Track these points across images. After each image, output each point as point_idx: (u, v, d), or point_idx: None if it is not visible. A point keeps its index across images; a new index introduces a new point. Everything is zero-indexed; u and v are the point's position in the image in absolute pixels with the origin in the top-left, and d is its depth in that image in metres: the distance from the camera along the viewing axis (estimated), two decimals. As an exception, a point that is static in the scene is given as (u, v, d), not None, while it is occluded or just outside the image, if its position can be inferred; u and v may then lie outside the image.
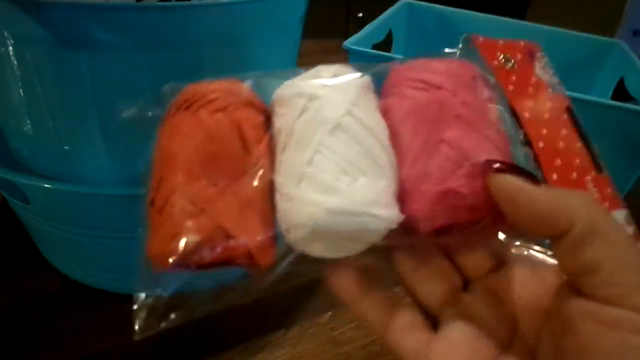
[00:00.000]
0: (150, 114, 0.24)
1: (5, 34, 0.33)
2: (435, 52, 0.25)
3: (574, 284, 0.19)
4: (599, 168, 0.24)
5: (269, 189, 0.21)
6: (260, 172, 0.21)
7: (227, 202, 0.21)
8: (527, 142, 0.24)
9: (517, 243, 0.23)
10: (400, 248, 0.24)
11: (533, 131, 0.24)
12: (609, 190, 0.25)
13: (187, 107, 0.22)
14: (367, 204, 0.20)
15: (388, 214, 0.21)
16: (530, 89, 0.25)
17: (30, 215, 0.41)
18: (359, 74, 0.23)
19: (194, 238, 0.20)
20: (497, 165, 0.20)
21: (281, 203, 0.21)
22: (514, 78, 0.25)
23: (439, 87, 0.23)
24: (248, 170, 0.21)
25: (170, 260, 0.19)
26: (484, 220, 0.22)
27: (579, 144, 0.24)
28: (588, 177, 0.23)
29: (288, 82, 0.23)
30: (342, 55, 0.48)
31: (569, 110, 0.25)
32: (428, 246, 0.24)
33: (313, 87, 0.22)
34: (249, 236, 0.20)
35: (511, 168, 0.20)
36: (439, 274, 0.24)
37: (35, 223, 0.42)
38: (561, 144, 0.24)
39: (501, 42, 0.27)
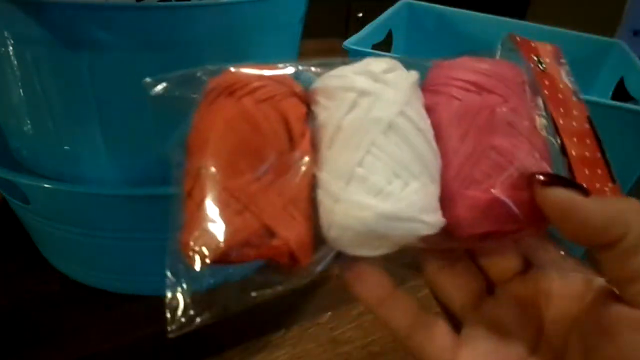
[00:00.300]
0: (178, 93, 0.22)
1: (5, 34, 0.33)
2: (474, 52, 0.24)
3: (616, 291, 0.19)
4: (613, 179, 0.24)
5: (312, 185, 0.21)
6: (304, 168, 0.21)
7: (271, 198, 0.20)
8: (563, 151, 0.23)
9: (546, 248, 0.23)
10: (430, 249, 0.23)
11: (566, 139, 0.23)
12: None
13: (230, 94, 0.21)
14: (418, 210, 0.20)
15: (435, 219, 0.20)
16: (560, 95, 0.25)
17: (30, 215, 0.41)
18: (408, 71, 0.23)
19: (237, 236, 0.19)
20: (544, 177, 0.20)
21: (326, 202, 0.20)
22: (546, 82, 0.25)
23: (490, 92, 0.22)
24: (292, 165, 0.20)
25: (210, 257, 0.19)
26: (524, 231, 0.21)
27: (599, 154, 0.24)
28: (606, 188, 0.23)
29: (334, 72, 0.22)
30: (342, 55, 0.48)
31: (589, 119, 0.25)
32: (456, 248, 0.24)
33: (364, 82, 0.21)
34: (292, 235, 0.20)
35: (560, 180, 0.20)
36: (464, 276, 0.24)
37: (35, 223, 0.42)
38: (587, 154, 0.24)
39: (533, 43, 0.26)
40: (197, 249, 0.19)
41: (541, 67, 0.25)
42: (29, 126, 0.38)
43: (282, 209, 0.20)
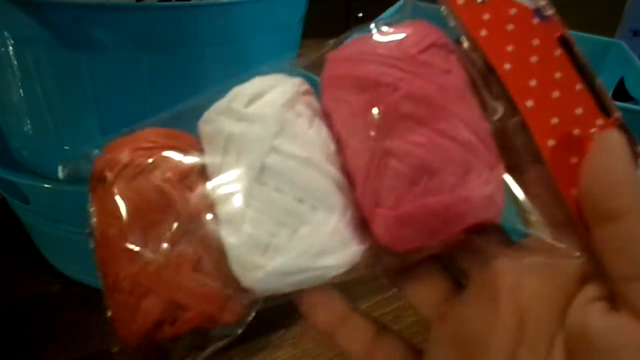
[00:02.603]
0: (86, 171, 0.22)
1: (5, 34, 0.33)
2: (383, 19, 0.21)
3: (613, 292, 0.16)
4: (607, 111, 0.18)
5: (215, 240, 0.19)
6: (200, 228, 0.19)
7: (173, 271, 0.19)
8: (514, 108, 0.19)
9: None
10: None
11: (519, 89, 0.18)
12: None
13: (103, 180, 0.20)
14: (314, 256, 0.18)
15: (340, 259, 0.18)
16: (510, 26, 0.19)
17: (30, 215, 0.41)
18: (285, 83, 0.20)
19: (148, 321, 0.19)
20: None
21: (228, 258, 0.19)
22: (486, 17, 0.19)
23: (376, 84, 0.18)
24: (189, 227, 0.19)
25: (133, 343, 0.19)
26: (461, 235, 0.18)
27: (579, 86, 0.18)
28: (593, 128, 0.18)
29: (206, 114, 0.20)
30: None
31: (562, 41, 0.19)
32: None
33: (227, 124, 0.19)
34: (204, 303, 0.19)
35: None
36: (428, 279, 0.22)
37: (35, 223, 0.42)
38: (555, 94, 0.18)
39: None
40: (123, 334, 0.19)
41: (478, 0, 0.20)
42: (29, 126, 0.38)
43: (186, 278, 0.19)
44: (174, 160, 0.20)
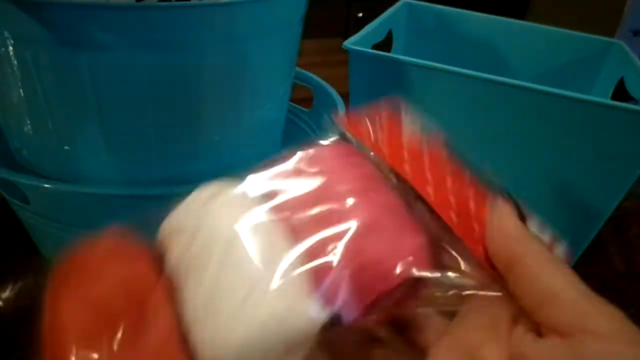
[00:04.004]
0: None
1: (5, 34, 0.33)
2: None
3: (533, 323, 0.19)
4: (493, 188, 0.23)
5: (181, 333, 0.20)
6: (163, 320, 0.19)
7: None
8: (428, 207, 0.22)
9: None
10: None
11: (418, 182, 0.22)
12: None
13: (66, 283, 0.21)
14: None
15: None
16: (406, 154, 0.23)
17: (30, 215, 0.41)
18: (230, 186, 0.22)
19: None
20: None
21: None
22: (387, 151, 0.24)
23: (281, 210, 0.21)
24: (149, 323, 0.19)
25: None
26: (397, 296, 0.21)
27: (467, 175, 0.23)
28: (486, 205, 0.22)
29: (167, 220, 0.22)
30: (342, 55, 0.48)
31: (445, 146, 0.24)
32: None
33: (191, 221, 0.21)
34: None
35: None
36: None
37: (35, 223, 0.42)
38: (449, 182, 0.23)
39: (358, 117, 0.25)
40: None
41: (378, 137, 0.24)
42: (29, 126, 0.38)
43: None
44: (138, 261, 0.22)
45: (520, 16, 1.69)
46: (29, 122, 0.38)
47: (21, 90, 0.36)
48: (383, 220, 0.21)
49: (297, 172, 0.22)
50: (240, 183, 0.22)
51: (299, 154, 0.23)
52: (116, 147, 0.37)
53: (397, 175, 0.23)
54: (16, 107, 0.38)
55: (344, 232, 0.20)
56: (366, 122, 0.25)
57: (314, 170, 0.22)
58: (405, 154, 0.23)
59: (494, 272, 0.20)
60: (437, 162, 0.23)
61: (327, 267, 0.20)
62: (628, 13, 1.30)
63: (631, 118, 0.41)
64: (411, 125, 0.25)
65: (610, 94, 0.56)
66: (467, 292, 0.21)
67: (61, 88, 0.35)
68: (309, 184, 0.22)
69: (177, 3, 0.33)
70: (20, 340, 0.39)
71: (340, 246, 0.20)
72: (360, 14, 1.77)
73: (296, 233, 0.21)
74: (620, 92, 0.54)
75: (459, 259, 0.21)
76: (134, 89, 0.35)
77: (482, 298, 0.20)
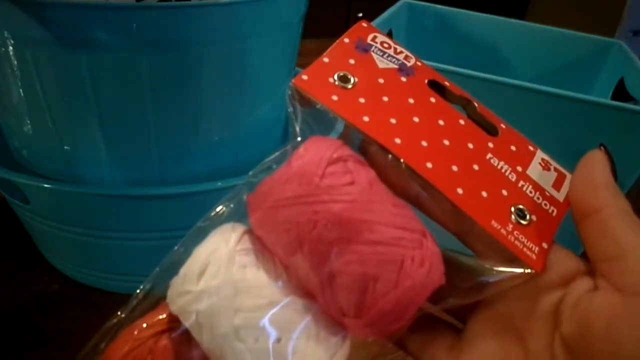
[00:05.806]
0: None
1: (5, 34, 0.33)
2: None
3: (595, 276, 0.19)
4: (493, 131, 0.23)
5: None
6: None
7: None
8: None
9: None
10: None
11: (414, 158, 0.21)
12: (517, 141, 0.24)
13: None
14: None
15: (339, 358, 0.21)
16: (385, 98, 0.21)
17: (30, 215, 0.41)
18: (220, 243, 0.21)
19: None
20: None
21: None
22: (362, 100, 0.21)
23: (296, 224, 0.20)
24: None
25: None
26: (423, 309, 0.20)
27: (462, 121, 0.22)
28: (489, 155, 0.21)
29: (169, 295, 0.22)
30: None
31: (431, 85, 0.22)
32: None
33: (190, 304, 0.21)
34: None
35: None
36: (430, 333, 0.23)
37: (35, 223, 0.42)
38: (446, 142, 0.21)
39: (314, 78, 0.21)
40: None
41: (348, 86, 0.21)
42: (29, 126, 0.38)
43: None
44: (162, 333, 0.22)
45: (520, 16, 1.69)
46: (29, 122, 0.38)
47: (21, 90, 0.36)
48: (389, 257, 0.19)
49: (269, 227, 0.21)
50: (224, 236, 0.22)
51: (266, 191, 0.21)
52: (116, 147, 0.37)
53: (366, 147, 0.21)
54: (16, 107, 0.38)
55: (354, 282, 0.20)
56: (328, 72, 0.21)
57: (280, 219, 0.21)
58: (388, 109, 0.21)
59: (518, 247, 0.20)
60: (426, 111, 0.21)
61: (338, 313, 0.20)
62: (628, 13, 1.30)
63: (631, 118, 0.41)
64: (381, 59, 0.22)
65: (610, 94, 0.56)
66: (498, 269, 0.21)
67: (61, 88, 0.35)
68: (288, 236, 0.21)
69: (177, 3, 0.33)
70: (20, 341, 0.39)
71: (353, 295, 0.20)
72: (360, 14, 1.77)
73: (306, 281, 0.21)
74: (620, 92, 0.54)
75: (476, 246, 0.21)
76: (134, 89, 0.35)
77: (516, 276, 0.20)
